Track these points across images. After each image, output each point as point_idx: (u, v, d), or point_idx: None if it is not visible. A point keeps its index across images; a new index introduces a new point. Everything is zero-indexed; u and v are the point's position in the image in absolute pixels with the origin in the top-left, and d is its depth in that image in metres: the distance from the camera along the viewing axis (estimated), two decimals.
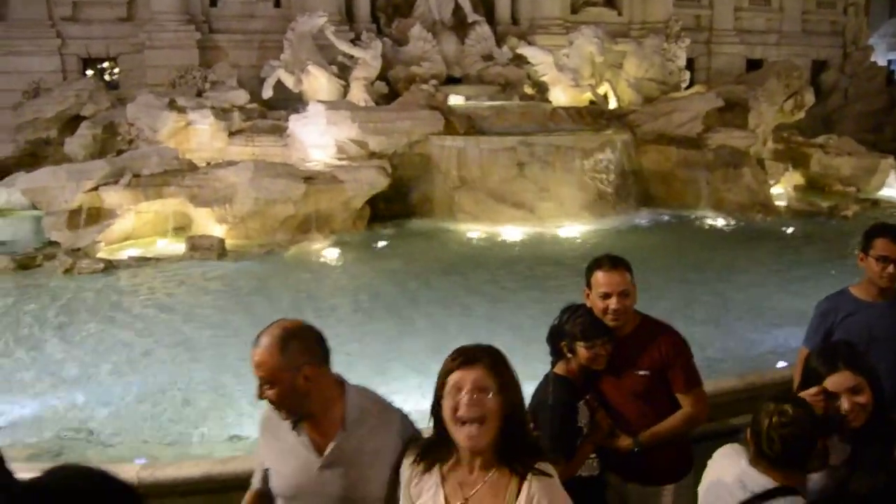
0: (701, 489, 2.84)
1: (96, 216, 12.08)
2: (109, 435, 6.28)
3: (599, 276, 3.41)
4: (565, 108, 15.99)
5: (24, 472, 3.13)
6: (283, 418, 2.51)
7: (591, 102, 17.16)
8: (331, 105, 13.76)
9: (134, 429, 6.33)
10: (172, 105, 14.20)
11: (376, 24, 18.85)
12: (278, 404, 2.46)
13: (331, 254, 11.66)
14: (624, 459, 3.39)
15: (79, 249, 11.45)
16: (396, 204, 13.51)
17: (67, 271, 10.72)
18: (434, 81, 16.31)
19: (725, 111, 15.95)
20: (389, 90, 16.48)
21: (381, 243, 12.28)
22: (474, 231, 12.84)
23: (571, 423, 3.19)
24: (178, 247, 11.81)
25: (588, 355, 3.28)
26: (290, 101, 15.96)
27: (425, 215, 13.63)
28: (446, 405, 2.21)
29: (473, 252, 11.89)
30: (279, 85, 16.09)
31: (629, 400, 3.41)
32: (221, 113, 14.43)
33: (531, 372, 6.76)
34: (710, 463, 2.87)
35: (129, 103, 14.81)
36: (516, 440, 2.28)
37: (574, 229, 12.81)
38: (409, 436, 2.52)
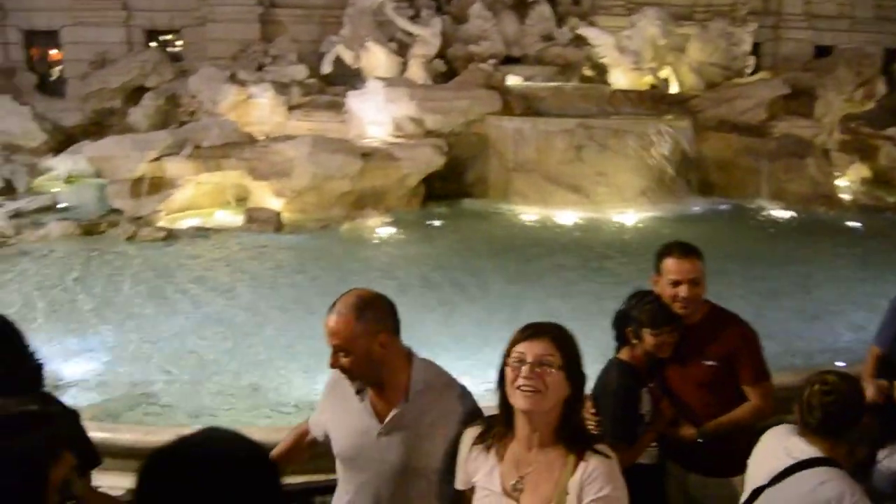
0: (750, 460, 2.91)
1: (158, 186, 12.35)
2: (163, 400, 6.45)
3: (670, 263, 3.37)
4: (625, 92, 15.74)
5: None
6: (356, 387, 2.56)
7: (652, 86, 16.86)
8: (389, 82, 13.78)
9: (186, 396, 6.48)
10: (233, 78, 14.41)
11: (436, 2, 18.74)
12: (351, 372, 2.50)
13: (385, 231, 11.72)
14: (686, 449, 3.36)
15: (141, 218, 11.75)
16: (451, 183, 13.49)
17: (130, 238, 11.02)
18: (493, 61, 16.18)
19: (791, 99, 15.49)
20: (448, 68, 16.42)
21: (436, 222, 12.30)
22: (529, 214, 12.76)
23: (634, 410, 3.17)
24: (236, 218, 12.02)
25: (654, 342, 3.25)
26: (348, 77, 16.03)
27: (480, 196, 13.60)
28: (509, 374, 2.23)
29: (527, 235, 11.82)
30: (338, 61, 16.16)
31: (694, 389, 3.37)
32: (281, 87, 14.59)
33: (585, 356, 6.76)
34: (761, 437, 2.94)
35: (192, 76, 15.06)
36: (576, 420, 2.29)
37: (630, 215, 12.64)
38: (468, 411, 2.54)
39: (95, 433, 5.47)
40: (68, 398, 6.46)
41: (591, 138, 13.31)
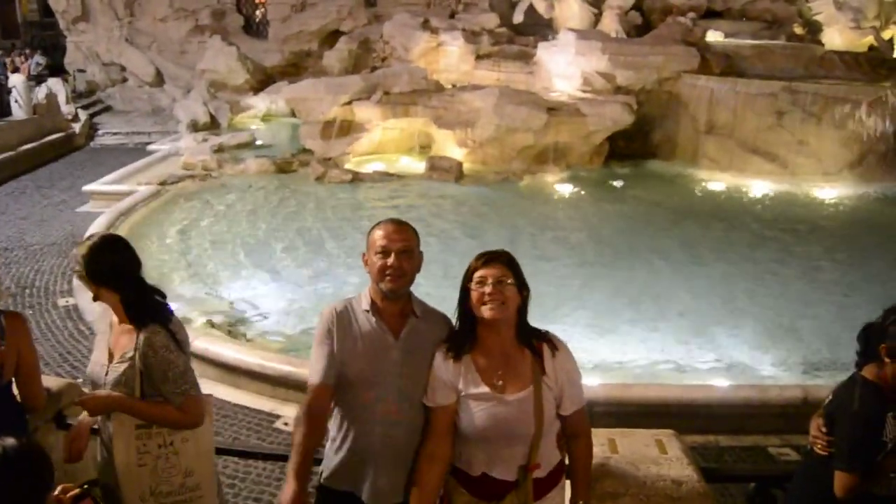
0: None
1: (347, 129, 12.77)
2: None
3: None
4: (839, 53, 14.33)
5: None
6: (393, 291, 2.72)
7: (871, 48, 15.24)
8: (581, 34, 13.33)
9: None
10: (426, 25, 14.50)
11: None
12: (406, 276, 2.72)
13: (564, 188, 11.49)
14: None
15: (330, 159, 12.21)
16: (636, 142, 12.98)
17: (319, 179, 11.51)
18: (692, 14, 15.22)
19: None
20: (643, 21, 15.66)
21: (617, 183, 11.90)
22: (717, 181, 12.05)
23: (875, 435, 2.80)
24: (418, 165, 12.22)
25: None
26: (539, 28, 15.72)
27: (665, 158, 13.00)
28: (474, 294, 2.61)
29: (714, 204, 11.17)
30: (530, 10, 15.86)
31: None
32: (471, 36, 14.52)
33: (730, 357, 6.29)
34: None
35: (386, 22, 15.31)
36: (527, 325, 2.70)
37: (832, 191, 11.60)
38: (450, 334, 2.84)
39: (283, 366, 5.88)
40: (259, 329, 6.92)
41: (795, 104, 12.26)
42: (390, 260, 2.69)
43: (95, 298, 2.89)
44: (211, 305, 7.34)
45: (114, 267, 2.83)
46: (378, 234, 2.75)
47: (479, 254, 2.70)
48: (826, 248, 9.04)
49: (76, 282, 7.16)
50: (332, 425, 2.80)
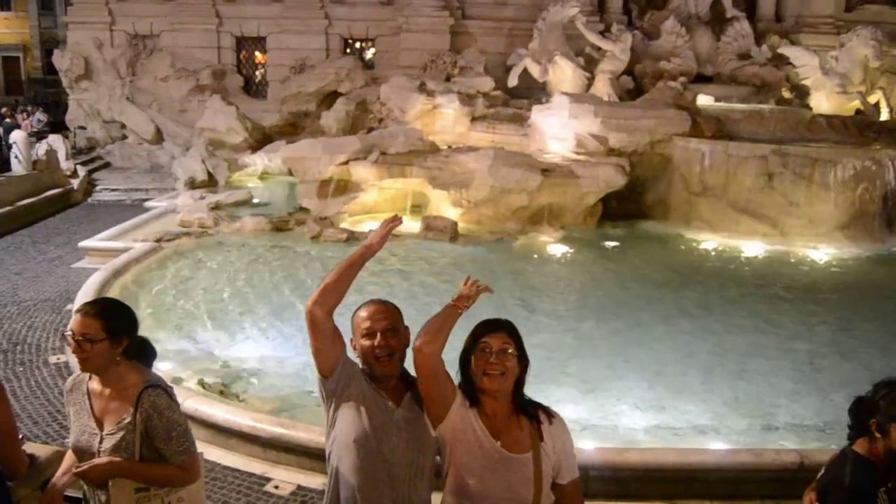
0: None
1: (344, 188, 12.91)
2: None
3: None
4: (827, 117, 14.63)
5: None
6: (387, 377, 2.81)
7: (858, 112, 15.57)
8: (575, 98, 13.61)
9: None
10: (422, 88, 14.78)
11: (628, 16, 18.45)
12: (395, 353, 2.80)
13: (558, 249, 11.56)
14: None
15: (325, 218, 12.30)
16: (630, 203, 13.12)
17: (314, 238, 11.57)
18: (683, 79, 15.62)
19: None
20: (635, 85, 16.02)
21: (610, 244, 11.98)
22: (710, 242, 12.15)
23: None
24: (413, 225, 12.27)
25: None
26: (532, 91, 16.04)
27: (658, 219, 13.12)
28: (476, 363, 2.68)
29: (706, 265, 11.23)
30: (524, 73, 16.20)
31: None
32: (467, 98, 14.80)
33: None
34: None
35: (383, 84, 15.61)
36: (524, 396, 2.77)
37: (824, 252, 11.70)
38: None
39: (275, 428, 5.81)
40: (251, 390, 6.86)
41: (785, 166, 12.45)
42: (377, 340, 2.79)
43: (98, 370, 2.85)
44: (203, 365, 7.29)
45: (131, 322, 2.91)
46: (361, 315, 2.86)
47: (482, 322, 2.77)
48: (819, 310, 9.09)
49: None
50: (343, 488, 2.80)
